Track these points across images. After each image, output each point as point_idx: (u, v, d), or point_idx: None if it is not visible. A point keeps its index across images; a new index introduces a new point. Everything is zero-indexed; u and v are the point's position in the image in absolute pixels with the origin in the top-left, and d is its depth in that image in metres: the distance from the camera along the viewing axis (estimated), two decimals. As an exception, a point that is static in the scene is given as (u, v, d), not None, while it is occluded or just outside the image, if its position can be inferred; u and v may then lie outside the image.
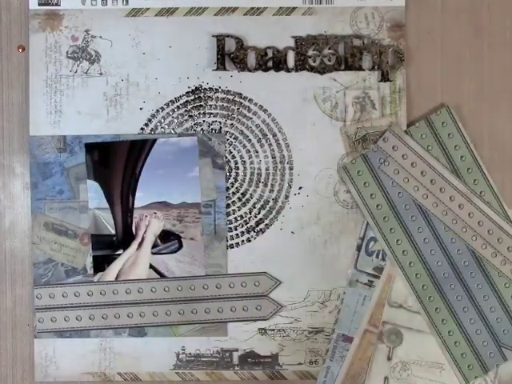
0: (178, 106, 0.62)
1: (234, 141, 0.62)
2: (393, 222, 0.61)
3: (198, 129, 0.62)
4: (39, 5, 0.61)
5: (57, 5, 0.61)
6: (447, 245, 0.61)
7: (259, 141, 0.62)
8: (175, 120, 0.62)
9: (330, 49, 0.61)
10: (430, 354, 0.61)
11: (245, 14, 0.61)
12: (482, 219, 0.60)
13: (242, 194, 0.62)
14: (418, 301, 0.61)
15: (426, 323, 0.61)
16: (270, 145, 0.62)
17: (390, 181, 0.61)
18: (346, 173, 0.61)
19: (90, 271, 0.61)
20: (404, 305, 0.61)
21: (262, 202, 0.62)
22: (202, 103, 0.62)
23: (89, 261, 0.61)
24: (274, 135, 0.62)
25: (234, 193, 0.62)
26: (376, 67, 0.61)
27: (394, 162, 0.61)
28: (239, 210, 0.62)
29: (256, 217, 0.62)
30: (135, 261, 0.61)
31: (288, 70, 0.61)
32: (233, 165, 0.62)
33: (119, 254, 0.61)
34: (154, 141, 0.61)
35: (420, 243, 0.61)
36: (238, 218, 0.62)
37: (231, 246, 0.62)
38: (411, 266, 0.61)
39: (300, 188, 0.62)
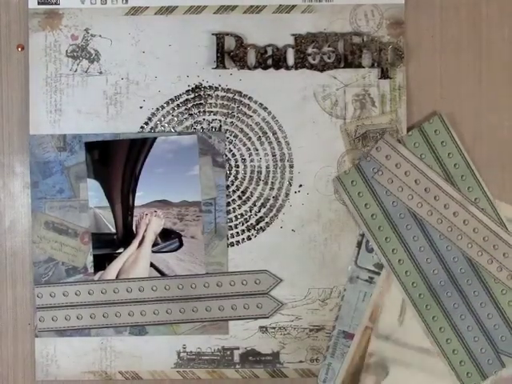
0: (177, 105, 0.62)
1: (234, 139, 0.62)
2: (388, 231, 0.61)
3: (198, 127, 0.62)
4: (39, 4, 0.61)
5: (56, 4, 0.61)
6: (443, 253, 0.60)
7: (259, 139, 0.62)
8: (175, 118, 0.62)
9: (329, 46, 0.61)
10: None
11: (244, 12, 0.61)
12: (477, 226, 0.60)
13: (242, 192, 0.62)
14: (414, 309, 0.60)
15: (423, 331, 0.61)
16: (270, 143, 0.62)
17: (383, 190, 0.61)
18: (339, 183, 0.61)
19: (91, 270, 0.61)
20: (391, 337, 0.61)
21: (262, 200, 0.62)
22: (202, 101, 0.62)
23: (89, 260, 0.61)
24: (274, 133, 0.62)
25: (234, 191, 0.62)
26: (376, 64, 0.61)
27: (387, 171, 0.60)
28: (239, 208, 0.62)
29: (256, 215, 0.62)
30: (136, 259, 0.61)
31: (288, 68, 0.61)
32: (233, 163, 0.62)
33: (120, 253, 0.61)
34: (154, 139, 0.61)
35: (416, 252, 0.61)
36: (239, 216, 0.62)
37: (232, 244, 0.62)
38: (407, 274, 0.61)
39: (300, 186, 0.62)
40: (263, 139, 0.62)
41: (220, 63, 0.61)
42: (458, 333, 0.60)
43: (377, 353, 0.60)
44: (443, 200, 0.60)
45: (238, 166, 0.62)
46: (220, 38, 0.61)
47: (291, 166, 0.62)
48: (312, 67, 0.61)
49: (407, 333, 0.61)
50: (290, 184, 0.62)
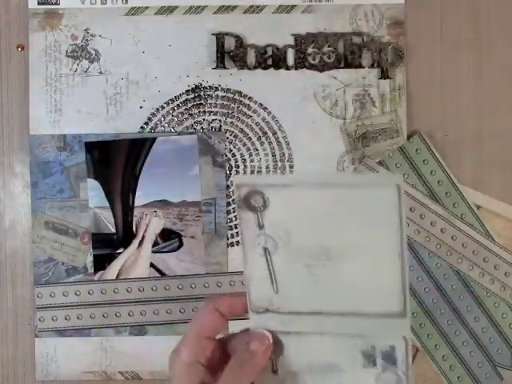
0: (177, 105, 0.62)
1: (234, 139, 0.62)
2: None
3: (198, 127, 0.62)
4: (38, 4, 0.61)
5: (56, 4, 0.61)
6: (433, 270, 0.60)
7: (259, 139, 0.62)
8: (175, 118, 0.62)
9: (329, 46, 0.61)
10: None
11: (244, 12, 0.61)
12: (465, 241, 0.60)
13: (242, 192, 0.62)
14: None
15: (420, 351, 0.61)
16: (270, 143, 0.62)
17: None
18: None
19: (91, 270, 0.61)
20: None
21: (262, 200, 0.62)
22: (202, 101, 0.62)
23: (89, 259, 0.61)
24: (274, 133, 0.62)
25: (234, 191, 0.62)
26: (376, 65, 0.61)
27: None
28: (239, 208, 0.62)
29: (256, 215, 0.62)
30: (136, 259, 0.61)
31: (288, 68, 0.61)
32: (233, 163, 0.62)
33: (120, 253, 0.61)
34: (154, 139, 0.61)
35: None
36: (239, 216, 0.62)
37: (232, 245, 0.62)
38: None
39: (300, 186, 0.62)
40: (263, 139, 0.62)
41: (220, 63, 0.61)
42: (454, 349, 0.60)
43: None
44: (429, 218, 0.60)
45: (238, 166, 0.62)
46: (220, 38, 0.61)
47: (291, 166, 0.62)
48: (312, 67, 0.61)
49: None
50: (290, 184, 0.62)
